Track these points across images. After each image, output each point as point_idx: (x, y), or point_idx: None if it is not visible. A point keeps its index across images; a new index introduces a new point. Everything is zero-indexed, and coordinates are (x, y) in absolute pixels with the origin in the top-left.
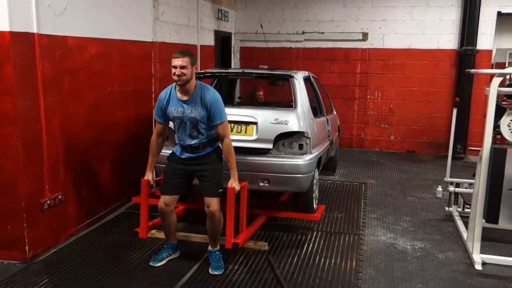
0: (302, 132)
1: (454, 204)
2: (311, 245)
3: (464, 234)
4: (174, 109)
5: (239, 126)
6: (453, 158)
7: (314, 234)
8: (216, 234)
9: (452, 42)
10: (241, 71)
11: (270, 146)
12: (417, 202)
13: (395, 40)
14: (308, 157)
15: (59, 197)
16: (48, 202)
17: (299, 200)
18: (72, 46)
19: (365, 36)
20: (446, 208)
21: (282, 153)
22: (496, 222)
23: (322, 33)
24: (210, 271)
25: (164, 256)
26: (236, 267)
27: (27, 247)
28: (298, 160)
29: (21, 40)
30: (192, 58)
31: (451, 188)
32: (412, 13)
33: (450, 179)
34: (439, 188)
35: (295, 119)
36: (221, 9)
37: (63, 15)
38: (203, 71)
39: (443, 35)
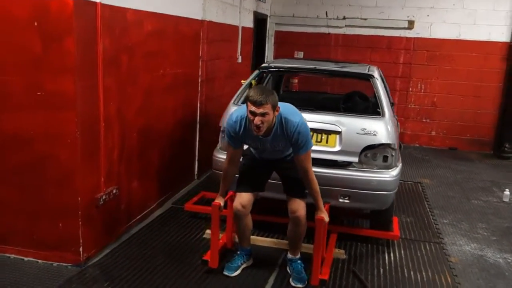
0: (389, 144)
1: None
2: (392, 255)
3: None
4: (252, 143)
5: (319, 135)
6: (500, 157)
7: (391, 242)
8: (300, 241)
9: (505, 35)
10: (312, 67)
11: (355, 159)
12: (485, 206)
13: (443, 30)
14: (395, 172)
15: (114, 191)
16: (104, 197)
17: (378, 217)
18: (130, 21)
19: (411, 24)
20: None
21: (365, 166)
22: None
23: (365, 19)
24: (292, 283)
25: (239, 264)
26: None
27: (81, 249)
28: (385, 176)
29: (84, 10)
30: (274, 99)
31: None
32: (463, 1)
33: None
34: (507, 192)
35: (384, 129)
36: None
37: None
38: (267, 65)
39: (496, 27)
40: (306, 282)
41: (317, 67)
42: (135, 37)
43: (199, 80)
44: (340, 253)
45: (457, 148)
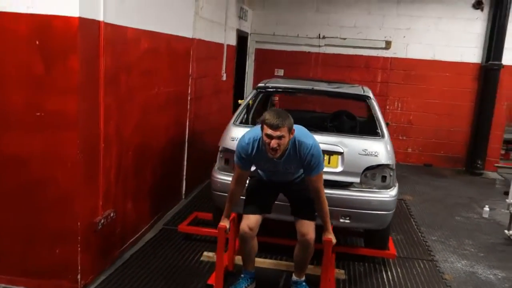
0: (388, 164)
1: None
2: (389, 274)
3: None
4: (264, 165)
5: None
6: (472, 173)
7: (386, 260)
8: (307, 264)
9: (476, 56)
10: (310, 87)
11: (357, 179)
12: (468, 222)
13: (418, 50)
14: (393, 191)
15: (111, 214)
16: (102, 221)
17: (375, 237)
18: (129, 39)
19: (388, 44)
20: (506, 231)
21: (364, 186)
22: None
23: (344, 38)
24: None
25: (243, 287)
26: None
27: (79, 276)
28: (385, 196)
29: (88, 29)
30: (290, 122)
31: None
32: (437, 23)
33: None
34: (486, 208)
35: (384, 150)
36: (243, 7)
37: (125, 2)
38: (264, 85)
39: (468, 48)
40: None
41: (315, 88)
42: (133, 56)
43: (189, 98)
44: (340, 273)
45: (432, 165)
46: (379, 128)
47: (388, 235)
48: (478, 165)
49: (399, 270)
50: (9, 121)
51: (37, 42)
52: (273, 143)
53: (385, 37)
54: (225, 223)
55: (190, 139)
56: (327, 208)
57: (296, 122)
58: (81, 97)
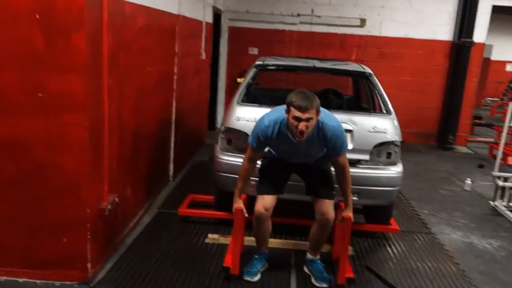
0: (393, 141)
1: (499, 198)
2: (394, 248)
3: None
4: (284, 147)
5: None
6: (444, 148)
7: (387, 235)
8: (323, 243)
9: (448, 34)
10: (311, 65)
11: (366, 157)
12: (453, 195)
13: (392, 28)
14: (399, 168)
15: (116, 199)
16: (108, 206)
17: (379, 213)
18: (127, 15)
19: (362, 22)
20: (491, 202)
21: (370, 163)
22: None
23: (319, 16)
24: (316, 283)
25: (259, 268)
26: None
27: (89, 264)
28: (392, 172)
29: (93, 3)
30: (318, 103)
31: (500, 183)
32: (411, 1)
33: (498, 174)
34: (468, 181)
35: (393, 127)
36: None
37: None
38: (265, 63)
39: (440, 26)
40: (329, 281)
41: (316, 65)
42: (131, 33)
43: (175, 77)
44: (349, 250)
45: (404, 141)
46: (384, 105)
47: (392, 210)
48: (450, 140)
49: (401, 244)
50: (7, 103)
51: (37, 16)
52: (301, 125)
53: (359, 15)
54: (239, 204)
55: (176, 120)
56: (350, 185)
57: (275, 101)
58: (88, 76)
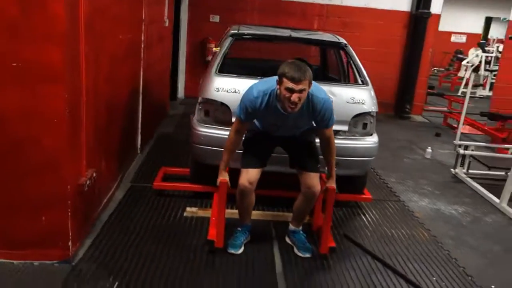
0: (369, 112)
1: (460, 166)
2: (368, 216)
3: (491, 196)
4: (272, 119)
5: None
6: (401, 117)
7: (360, 204)
8: (306, 215)
9: (406, 4)
10: (287, 35)
11: (345, 127)
12: (415, 163)
13: None
14: (376, 138)
15: (94, 174)
16: (88, 182)
17: (355, 183)
18: None
19: None
20: (452, 169)
21: (347, 133)
22: None
23: None
24: (300, 253)
25: (242, 240)
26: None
27: (70, 243)
28: (370, 143)
29: None
30: (310, 75)
31: (461, 151)
32: None
33: (458, 142)
34: (429, 149)
35: (370, 98)
36: None
37: None
38: (241, 32)
39: None
40: (312, 251)
41: (292, 34)
42: None
43: (142, 46)
44: None
45: None
46: (361, 76)
47: (366, 180)
48: (407, 110)
49: (374, 212)
50: None
51: None
52: (294, 97)
53: None
54: (225, 177)
55: (143, 90)
56: (335, 156)
57: (252, 71)
58: (66, 45)
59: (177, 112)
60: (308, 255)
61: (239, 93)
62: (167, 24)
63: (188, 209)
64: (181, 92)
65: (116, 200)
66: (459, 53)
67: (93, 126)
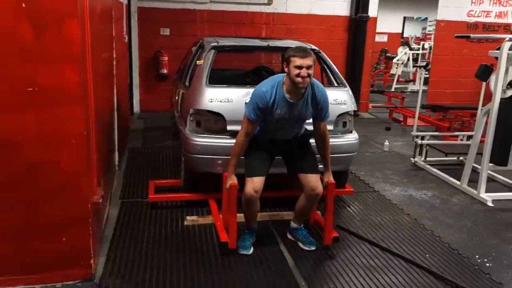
0: (348, 111)
1: (419, 155)
2: (352, 207)
3: (452, 179)
4: (281, 111)
5: None
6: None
7: (340, 197)
8: (309, 214)
9: (346, 9)
10: (265, 44)
11: (331, 127)
12: (377, 156)
13: (297, 5)
14: (356, 135)
15: (102, 192)
16: (100, 200)
17: (340, 177)
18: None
19: (269, 0)
20: (412, 159)
21: (332, 132)
22: (506, 165)
23: None
24: (306, 247)
25: (251, 241)
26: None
27: (92, 261)
28: (352, 139)
29: None
30: (312, 54)
31: (419, 141)
32: None
33: (416, 133)
34: (386, 143)
35: (349, 98)
36: None
37: None
38: (218, 44)
39: (338, 2)
40: (315, 243)
41: (270, 44)
42: (96, 18)
43: (114, 62)
44: (317, 214)
45: None
46: (338, 79)
47: (348, 174)
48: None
49: (357, 203)
50: None
51: (24, 5)
52: (304, 72)
53: None
54: (235, 180)
55: (117, 106)
56: (330, 151)
57: (219, 80)
58: (81, 66)
59: (138, 126)
60: (313, 248)
61: (232, 102)
62: (126, 40)
63: (188, 218)
64: (136, 107)
65: (112, 217)
66: (385, 52)
67: (98, 145)
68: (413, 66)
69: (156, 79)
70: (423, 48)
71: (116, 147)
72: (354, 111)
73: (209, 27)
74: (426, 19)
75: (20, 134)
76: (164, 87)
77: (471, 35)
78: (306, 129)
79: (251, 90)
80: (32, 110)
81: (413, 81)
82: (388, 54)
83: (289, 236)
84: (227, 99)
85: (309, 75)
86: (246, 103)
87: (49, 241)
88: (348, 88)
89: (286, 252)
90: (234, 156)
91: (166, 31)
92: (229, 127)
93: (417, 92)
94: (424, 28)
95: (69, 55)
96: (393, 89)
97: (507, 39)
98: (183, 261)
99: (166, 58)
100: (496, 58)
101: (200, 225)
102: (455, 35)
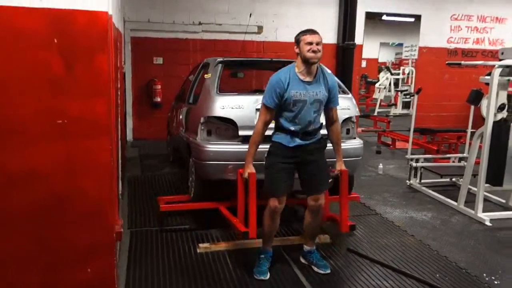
0: (351, 117)
1: (414, 177)
2: (358, 230)
3: (449, 200)
4: (297, 92)
5: None
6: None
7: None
8: (318, 230)
9: (333, 37)
10: (268, 59)
11: None
12: (373, 179)
13: (286, 34)
14: (360, 140)
15: (121, 221)
16: (121, 229)
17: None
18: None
19: (260, 29)
20: (407, 181)
21: None
22: (501, 185)
23: (220, 24)
24: (321, 271)
25: (267, 266)
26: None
27: None
28: (358, 144)
29: (110, 25)
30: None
31: (414, 164)
32: (300, 8)
33: (411, 156)
34: (380, 166)
35: (353, 105)
36: None
37: None
38: (225, 60)
39: (326, 31)
40: (329, 266)
41: (273, 59)
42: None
43: (119, 92)
44: (325, 238)
45: None
46: (341, 87)
47: (353, 181)
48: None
49: (361, 226)
50: (24, 133)
51: (56, 40)
52: (314, 46)
53: (256, 22)
54: (252, 170)
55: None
56: (340, 139)
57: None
58: (109, 98)
59: (133, 154)
60: (328, 271)
61: (243, 108)
62: (125, 70)
63: (200, 245)
64: (129, 135)
65: (125, 246)
66: (365, 77)
67: (117, 174)
68: (395, 91)
69: (150, 107)
70: (403, 73)
71: (120, 175)
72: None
73: (202, 55)
74: (401, 44)
75: (48, 164)
76: (157, 115)
77: (462, 62)
78: (322, 134)
79: (260, 97)
80: (61, 141)
81: (395, 105)
82: (369, 79)
83: (302, 260)
84: (238, 106)
85: (319, 50)
86: (256, 108)
87: (72, 271)
88: (351, 95)
89: (302, 276)
90: (252, 145)
91: (159, 60)
92: (240, 133)
93: (399, 116)
94: (398, 53)
95: (98, 88)
96: (375, 113)
97: (497, 65)
98: (209, 280)
99: (159, 87)
100: (487, 84)
101: (213, 252)
102: (447, 62)
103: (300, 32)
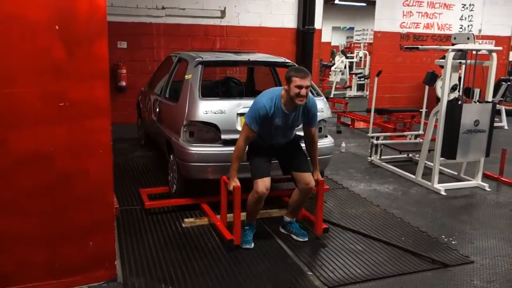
0: (325, 118)
1: (374, 154)
2: (329, 202)
3: (408, 174)
4: (278, 121)
5: None
6: None
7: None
8: (302, 208)
9: (293, 22)
10: (246, 59)
11: None
12: (338, 157)
13: (248, 18)
14: (331, 139)
15: (116, 199)
16: (117, 206)
17: None
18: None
19: (223, 14)
20: (368, 157)
21: None
22: (455, 158)
23: (183, 9)
24: (300, 239)
25: (252, 236)
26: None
27: (116, 262)
28: (330, 143)
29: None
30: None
31: (375, 141)
32: None
33: (372, 134)
34: (343, 144)
35: (326, 106)
36: None
37: None
38: (204, 60)
39: (286, 16)
40: (307, 235)
41: (250, 59)
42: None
43: None
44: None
45: None
46: (314, 89)
47: (323, 175)
48: None
49: (332, 199)
50: (25, 115)
51: (57, 27)
52: (303, 91)
53: (219, 6)
54: (237, 183)
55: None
56: (318, 153)
57: (224, 92)
58: (107, 81)
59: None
60: (306, 239)
61: (225, 113)
62: None
63: (186, 220)
64: None
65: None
66: (320, 60)
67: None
68: (350, 74)
69: (115, 92)
70: (356, 57)
71: None
72: None
73: (166, 40)
74: (352, 28)
75: (51, 146)
76: (122, 99)
77: (420, 46)
78: (296, 134)
79: (241, 102)
80: (63, 123)
81: (350, 87)
82: (324, 63)
83: (282, 230)
84: (220, 111)
85: (307, 93)
86: (237, 113)
87: (77, 245)
88: (323, 97)
89: (283, 244)
90: (236, 160)
91: (123, 44)
92: (223, 136)
93: (354, 97)
94: (349, 37)
95: (98, 72)
96: (332, 95)
97: (451, 50)
98: (194, 258)
99: (124, 71)
100: (441, 66)
101: (199, 225)
102: (405, 46)
103: (292, 70)
